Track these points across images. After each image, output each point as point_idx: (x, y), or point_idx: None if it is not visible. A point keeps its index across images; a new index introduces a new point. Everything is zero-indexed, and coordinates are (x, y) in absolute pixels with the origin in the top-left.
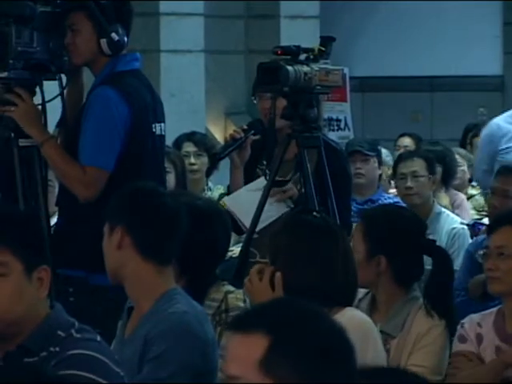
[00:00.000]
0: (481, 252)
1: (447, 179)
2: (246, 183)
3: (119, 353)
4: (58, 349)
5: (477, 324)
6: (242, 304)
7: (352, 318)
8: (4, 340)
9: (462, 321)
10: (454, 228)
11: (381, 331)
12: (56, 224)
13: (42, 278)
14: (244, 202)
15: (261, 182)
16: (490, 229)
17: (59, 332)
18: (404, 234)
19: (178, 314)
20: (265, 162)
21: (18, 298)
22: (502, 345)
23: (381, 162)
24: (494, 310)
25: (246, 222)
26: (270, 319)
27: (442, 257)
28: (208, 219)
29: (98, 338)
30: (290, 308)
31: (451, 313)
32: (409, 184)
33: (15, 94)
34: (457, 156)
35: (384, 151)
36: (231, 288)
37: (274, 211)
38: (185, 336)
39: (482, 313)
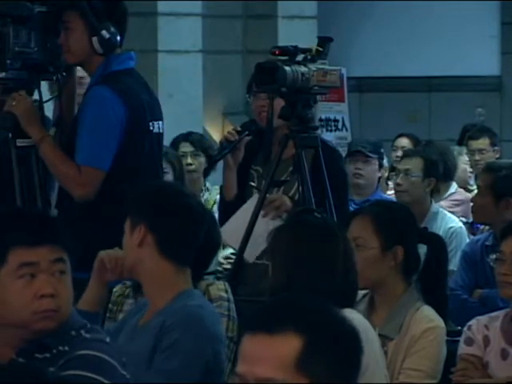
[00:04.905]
0: (493, 256)
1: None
2: (239, 184)
3: (128, 342)
4: (66, 348)
5: (484, 326)
6: (224, 294)
7: (352, 321)
8: (27, 338)
9: (469, 323)
10: (451, 227)
11: (379, 334)
12: None
13: None
14: (239, 232)
15: (250, 203)
16: (504, 233)
17: (71, 332)
18: (411, 222)
19: (192, 308)
20: (257, 163)
21: (72, 296)
22: (508, 348)
23: (382, 165)
24: (502, 312)
25: (247, 254)
26: (295, 318)
27: (437, 243)
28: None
29: (108, 339)
30: (310, 305)
31: (445, 301)
32: (398, 181)
33: (17, 94)
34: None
35: None
36: (210, 281)
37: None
38: (197, 327)
39: (489, 315)
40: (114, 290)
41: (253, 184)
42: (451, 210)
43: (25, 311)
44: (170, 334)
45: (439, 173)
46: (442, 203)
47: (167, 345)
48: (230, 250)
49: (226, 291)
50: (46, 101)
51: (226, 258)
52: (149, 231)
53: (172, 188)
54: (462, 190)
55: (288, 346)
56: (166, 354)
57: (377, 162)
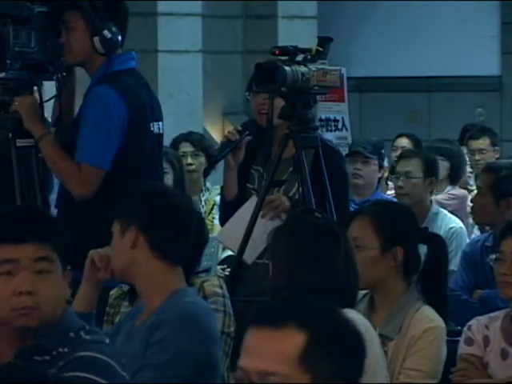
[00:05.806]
0: (493, 257)
1: (453, 175)
2: (239, 184)
3: (125, 344)
4: (66, 350)
5: (484, 326)
6: (218, 290)
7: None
8: (24, 338)
9: (469, 323)
10: (451, 228)
11: (379, 334)
12: None
13: (66, 279)
14: (238, 234)
15: (248, 205)
16: (503, 233)
17: (70, 333)
18: (411, 222)
19: (185, 304)
20: (258, 164)
21: (60, 297)
22: (508, 348)
23: (382, 166)
24: (502, 312)
25: (246, 255)
26: (299, 312)
27: (437, 243)
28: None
29: (107, 341)
30: (316, 303)
31: (445, 301)
32: (400, 184)
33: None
34: None
35: None
36: (205, 277)
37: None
38: (189, 323)
39: (489, 315)
40: (111, 292)
41: (250, 186)
42: (446, 202)
43: (4, 308)
44: (161, 329)
45: (438, 172)
46: (439, 197)
47: (157, 339)
48: (229, 252)
49: (221, 287)
50: (46, 100)
51: (223, 268)
52: (141, 232)
53: (160, 188)
54: (457, 187)
55: (292, 340)
56: (155, 348)
57: (376, 163)
